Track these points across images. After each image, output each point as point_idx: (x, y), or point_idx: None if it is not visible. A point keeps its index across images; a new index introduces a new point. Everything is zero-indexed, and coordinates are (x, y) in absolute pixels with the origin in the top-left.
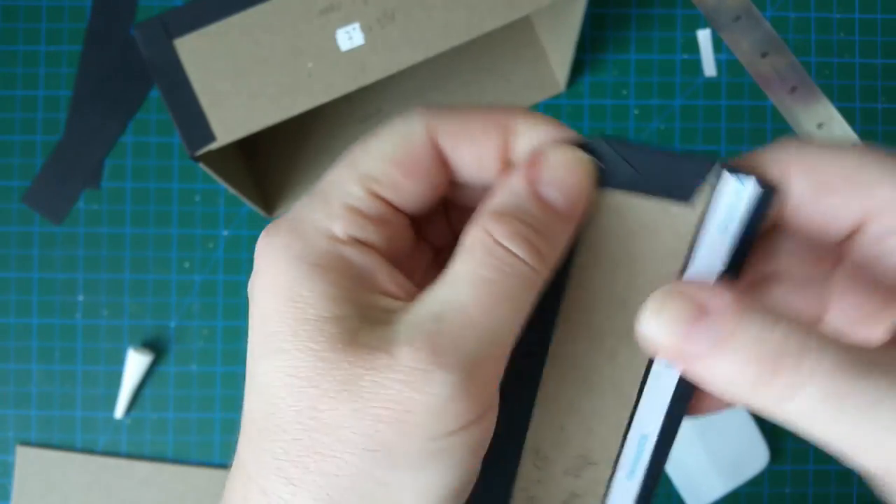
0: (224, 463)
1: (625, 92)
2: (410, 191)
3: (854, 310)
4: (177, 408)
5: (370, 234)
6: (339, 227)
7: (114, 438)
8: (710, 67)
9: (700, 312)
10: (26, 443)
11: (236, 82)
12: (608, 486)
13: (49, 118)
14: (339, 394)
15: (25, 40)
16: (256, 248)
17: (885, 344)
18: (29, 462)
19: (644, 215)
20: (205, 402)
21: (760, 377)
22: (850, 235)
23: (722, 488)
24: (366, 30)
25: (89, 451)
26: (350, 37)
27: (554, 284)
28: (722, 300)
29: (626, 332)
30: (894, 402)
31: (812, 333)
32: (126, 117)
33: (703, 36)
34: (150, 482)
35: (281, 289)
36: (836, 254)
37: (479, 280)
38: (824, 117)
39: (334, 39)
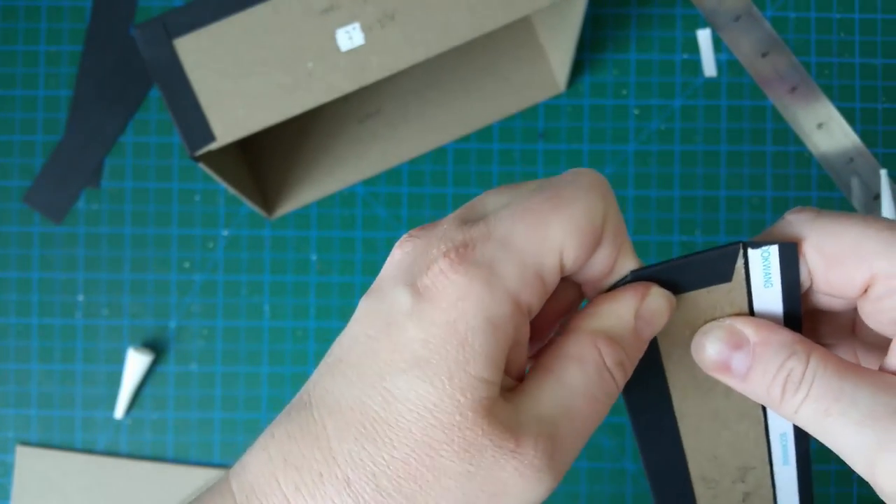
0: (223, 462)
1: (625, 92)
2: (581, 264)
3: (863, 352)
4: (177, 408)
5: (540, 303)
6: (525, 297)
7: (114, 438)
8: (710, 67)
9: (737, 343)
10: (26, 443)
11: (236, 82)
12: (772, 476)
13: (49, 118)
14: (461, 452)
15: (25, 40)
16: (439, 260)
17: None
18: (29, 462)
19: (703, 300)
20: (204, 401)
21: (779, 397)
22: (862, 296)
23: None
24: (366, 30)
25: (89, 450)
26: (350, 37)
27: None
28: (752, 332)
29: None
30: (865, 397)
31: (811, 361)
32: (126, 117)
33: (703, 36)
34: (149, 482)
35: (456, 331)
36: (854, 317)
37: (590, 398)
38: (824, 117)
39: (334, 39)
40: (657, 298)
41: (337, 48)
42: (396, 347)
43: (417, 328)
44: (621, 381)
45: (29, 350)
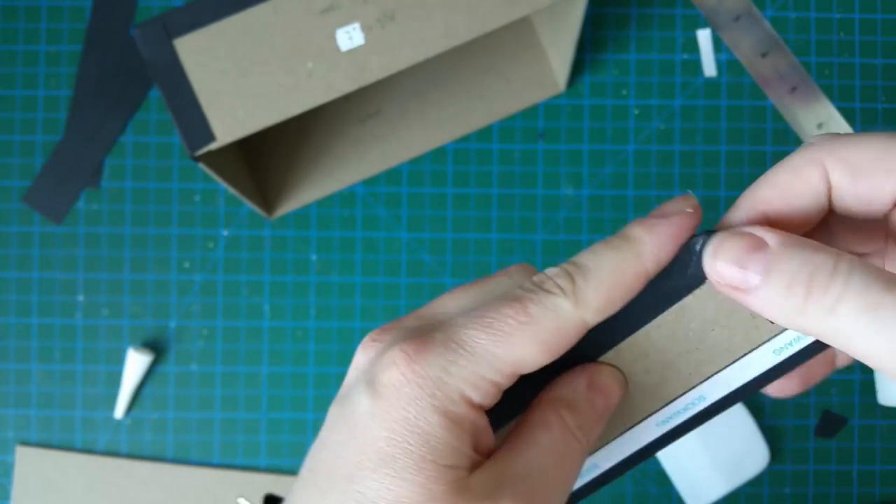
0: (223, 462)
1: (625, 92)
2: (544, 364)
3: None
4: (176, 407)
5: (491, 401)
6: (477, 396)
7: (114, 438)
8: (710, 67)
9: (755, 246)
10: (26, 443)
11: (236, 82)
12: (641, 418)
13: (49, 118)
14: None
15: (25, 40)
16: (396, 358)
17: None
18: (29, 462)
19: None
20: (204, 401)
21: (803, 299)
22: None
23: (722, 488)
24: (366, 30)
25: (89, 450)
26: (350, 37)
27: None
28: (773, 237)
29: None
30: None
31: (843, 258)
32: (126, 117)
33: (703, 36)
34: (149, 482)
35: (417, 428)
36: (885, 229)
37: (560, 456)
38: (824, 117)
39: (334, 39)
40: (604, 375)
41: (337, 48)
42: (363, 448)
43: (380, 426)
44: (585, 442)
45: (29, 350)
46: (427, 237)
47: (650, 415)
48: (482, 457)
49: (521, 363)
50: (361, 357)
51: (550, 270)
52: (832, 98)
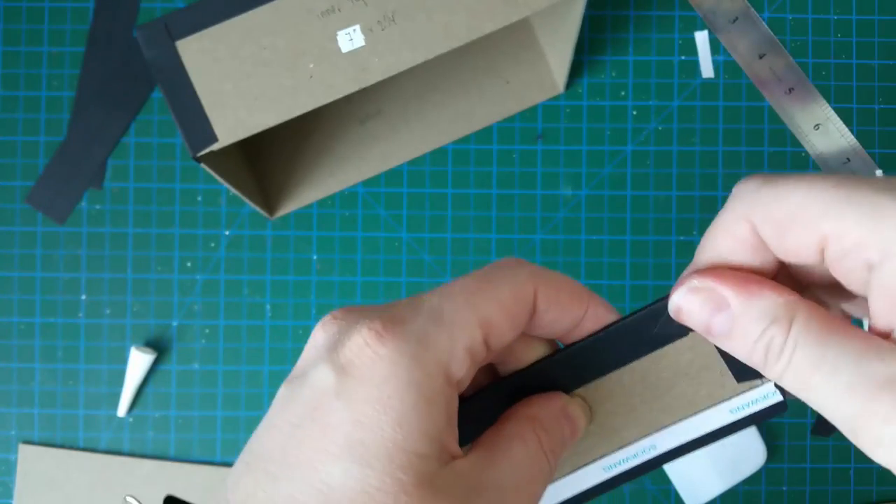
0: (225, 460)
1: (623, 93)
2: (508, 339)
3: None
4: (179, 406)
5: (469, 377)
6: (457, 369)
7: (116, 436)
8: (707, 69)
9: (718, 306)
10: (29, 441)
11: (238, 83)
12: (592, 459)
13: (52, 119)
14: None
15: (28, 41)
16: (366, 335)
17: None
18: (31, 460)
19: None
20: (206, 399)
21: (762, 362)
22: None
23: (719, 487)
24: (366, 31)
25: (92, 449)
26: (351, 38)
27: None
28: (733, 295)
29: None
30: (848, 364)
31: (798, 311)
32: (128, 118)
33: (701, 38)
34: (152, 480)
35: (391, 409)
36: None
37: (533, 472)
38: (821, 118)
39: (335, 41)
40: (576, 406)
41: (338, 50)
42: (325, 432)
43: (346, 408)
44: (554, 466)
45: (32, 349)
46: (427, 237)
47: (602, 457)
48: (449, 455)
49: (490, 325)
50: (321, 334)
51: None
52: (829, 99)
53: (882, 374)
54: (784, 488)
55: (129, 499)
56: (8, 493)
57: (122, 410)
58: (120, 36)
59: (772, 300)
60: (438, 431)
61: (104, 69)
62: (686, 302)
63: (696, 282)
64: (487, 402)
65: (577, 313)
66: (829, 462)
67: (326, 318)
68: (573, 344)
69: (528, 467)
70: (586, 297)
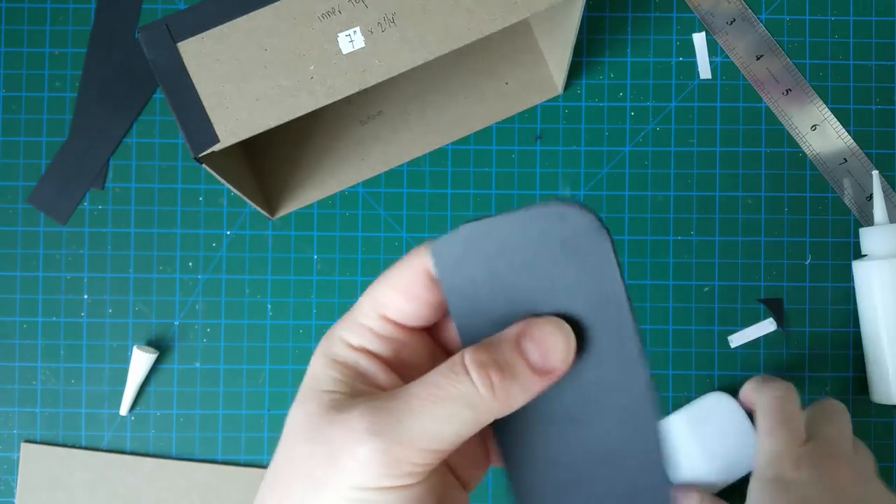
0: (227, 459)
1: (621, 94)
2: (411, 311)
3: None
4: (180, 404)
5: (377, 346)
6: (354, 339)
7: (118, 435)
8: (705, 70)
9: None
10: (31, 440)
11: (239, 85)
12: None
13: (54, 119)
14: (313, 436)
15: (30, 42)
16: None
17: None
18: (34, 459)
19: None
20: (208, 398)
21: None
22: None
23: (716, 485)
24: (366, 33)
25: (94, 447)
26: (351, 40)
27: None
28: None
29: None
30: None
31: None
32: (130, 119)
33: (699, 39)
34: (154, 478)
35: (313, 368)
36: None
37: (431, 384)
38: (818, 119)
39: (336, 43)
40: (548, 324)
41: (338, 51)
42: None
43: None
44: (481, 382)
45: (34, 348)
46: (427, 237)
47: None
48: (369, 391)
49: (383, 302)
50: None
51: None
52: (826, 100)
53: None
54: None
55: None
56: (10, 492)
57: (124, 409)
58: (122, 37)
59: None
60: (347, 377)
61: (106, 70)
62: None
63: None
64: None
65: None
66: None
67: None
68: None
69: (428, 379)
70: None
